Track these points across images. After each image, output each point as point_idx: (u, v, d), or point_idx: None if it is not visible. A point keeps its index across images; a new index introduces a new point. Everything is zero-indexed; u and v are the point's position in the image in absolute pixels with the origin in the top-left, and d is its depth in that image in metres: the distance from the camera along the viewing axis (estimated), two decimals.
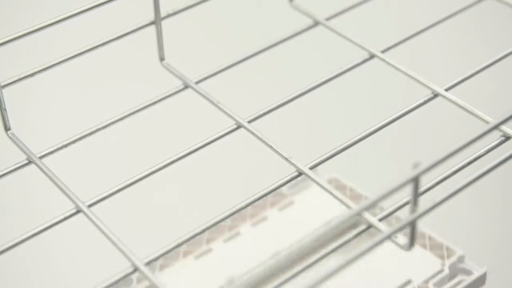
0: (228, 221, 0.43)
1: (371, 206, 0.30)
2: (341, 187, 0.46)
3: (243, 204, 0.35)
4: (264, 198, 0.43)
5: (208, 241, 0.42)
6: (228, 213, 0.35)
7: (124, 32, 0.41)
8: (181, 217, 0.69)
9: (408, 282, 0.39)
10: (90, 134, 0.40)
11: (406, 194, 0.36)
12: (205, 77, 0.43)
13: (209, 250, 0.41)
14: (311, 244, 0.29)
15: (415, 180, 0.30)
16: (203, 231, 0.34)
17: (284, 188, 0.45)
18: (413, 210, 0.31)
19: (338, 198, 0.36)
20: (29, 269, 0.71)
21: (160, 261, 0.40)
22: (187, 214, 0.69)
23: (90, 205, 0.36)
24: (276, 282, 0.31)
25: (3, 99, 0.38)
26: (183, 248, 0.41)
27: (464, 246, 0.46)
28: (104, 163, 0.75)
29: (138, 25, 0.42)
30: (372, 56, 0.44)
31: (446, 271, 0.39)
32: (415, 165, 0.29)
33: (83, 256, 0.53)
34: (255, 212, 0.44)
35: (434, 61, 0.87)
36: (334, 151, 0.39)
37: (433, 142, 0.79)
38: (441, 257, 0.40)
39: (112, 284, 0.32)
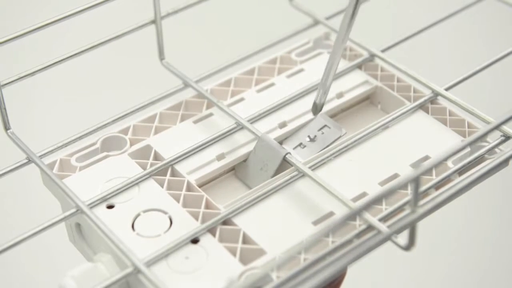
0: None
1: (371, 206, 0.30)
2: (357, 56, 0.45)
3: None
4: (272, 64, 0.44)
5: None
6: None
7: (124, 31, 0.41)
8: None
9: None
10: (90, 133, 0.40)
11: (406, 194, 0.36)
12: (205, 76, 0.43)
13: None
14: (308, 243, 0.29)
15: (416, 181, 0.29)
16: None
17: (293, 55, 0.45)
18: (413, 211, 0.31)
19: (338, 198, 0.35)
20: (29, 268, 0.72)
21: (155, 124, 0.40)
22: None
23: (90, 205, 0.36)
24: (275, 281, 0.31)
25: (3, 98, 0.38)
26: (181, 112, 0.41)
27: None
28: None
29: (138, 24, 0.42)
30: (372, 56, 0.44)
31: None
32: (416, 166, 0.29)
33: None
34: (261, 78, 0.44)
35: (434, 61, 0.87)
36: (330, 152, 0.39)
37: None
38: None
39: (111, 284, 0.32)
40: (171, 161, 0.38)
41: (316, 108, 0.40)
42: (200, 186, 0.38)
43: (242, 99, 0.42)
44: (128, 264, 0.33)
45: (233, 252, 0.34)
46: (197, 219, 0.35)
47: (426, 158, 0.39)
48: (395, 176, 0.38)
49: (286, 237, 0.35)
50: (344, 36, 0.37)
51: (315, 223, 0.35)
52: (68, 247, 0.39)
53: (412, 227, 0.31)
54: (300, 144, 0.40)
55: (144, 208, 0.36)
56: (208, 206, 0.36)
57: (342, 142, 0.39)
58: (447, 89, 0.42)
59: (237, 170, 0.39)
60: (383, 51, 0.44)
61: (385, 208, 0.36)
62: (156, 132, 0.40)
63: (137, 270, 0.33)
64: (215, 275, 0.33)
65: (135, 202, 0.36)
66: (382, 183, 0.37)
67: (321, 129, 0.40)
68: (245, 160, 0.39)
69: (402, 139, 0.40)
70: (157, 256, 0.33)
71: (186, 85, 0.42)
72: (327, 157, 0.38)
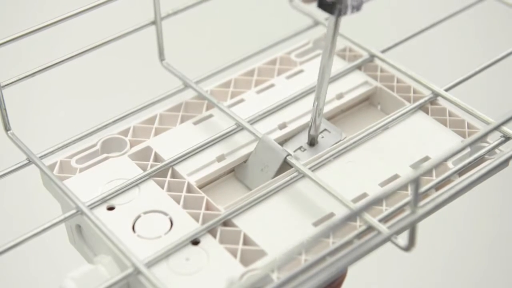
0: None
1: (371, 207, 0.30)
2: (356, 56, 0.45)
3: None
4: (271, 65, 0.44)
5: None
6: None
7: (125, 32, 0.41)
8: None
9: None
10: (90, 134, 0.40)
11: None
12: (205, 77, 0.43)
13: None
14: (308, 244, 0.29)
15: (416, 181, 0.29)
16: None
17: (292, 55, 0.45)
18: (413, 211, 0.31)
19: (338, 199, 0.35)
20: (30, 270, 0.72)
21: (155, 125, 0.40)
22: None
23: (90, 206, 0.36)
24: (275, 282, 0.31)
25: (3, 99, 0.38)
26: (180, 113, 0.41)
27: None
28: None
29: (139, 25, 0.42)
30: (372, 56, 0.44)
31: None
32: (416, 166, 0.29)
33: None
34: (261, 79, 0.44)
35: (434, 61, 0.87)
36: (331, 152, 0.39)
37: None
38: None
39: (111, 285, 0.32)
40: (171, 162, 0.38)
41: (314, 139, 0.40)
42: (201, 187, 0.38)
43: (242, 100, 0.42)
44: (128, 265, 0.33)
45: (233, 253, 0.34)
46: (197, 220, 0.35)
47: (426, 158, 0.39)
48: (396, 177, 0.38)
49: (287, 238, 0.35)
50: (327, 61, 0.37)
51: (316, 224, 0.35)
52: (68, 249, 0.39)
53: (412, 228, 0.31)
54: (300, 147, 0.40)
55: (144, 209, 0.36)
56: (208, 207, 0.36)
57: (342, 143, 0.39)
58: (447, 90, 0.42)
59: (237, 171, 0.39)
60: (383, 51, 0.44)
61: (385, 209, 0.36)
62: (156, 134, 0.40)
63: (137, 271, 0.33)
64: (216, 277, 0.33)
65: (136, 203, 0.36)
66: (382, 184, 0.37)
67: (321, 132, 0.40)
68: (245, 161, 0.39)
69: (402, 139, 0.40)
70: (157, 257, 0.33)
71: (186, 86, 0.42)
72: (327, 158, 0.38)
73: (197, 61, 0.64)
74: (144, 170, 0.38)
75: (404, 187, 0.29)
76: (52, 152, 0.39)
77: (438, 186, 0.37)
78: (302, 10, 0.47)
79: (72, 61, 0.40)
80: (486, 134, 0.32)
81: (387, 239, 0.32)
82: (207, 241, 0.34)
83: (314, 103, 0.38)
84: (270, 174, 0.38)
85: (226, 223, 0.35)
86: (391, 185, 0.29)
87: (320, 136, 0.40)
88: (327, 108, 0.42)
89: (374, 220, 0.34)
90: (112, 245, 0.34)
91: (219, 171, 0.39)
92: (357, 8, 0.34)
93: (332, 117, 0.42)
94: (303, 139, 0.40)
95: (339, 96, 0.42)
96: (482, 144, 0.39)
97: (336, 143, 0.40)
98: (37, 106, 0.83)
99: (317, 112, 0.38)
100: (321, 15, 0.47)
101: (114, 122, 0.40)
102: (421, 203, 0.35)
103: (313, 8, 0.47)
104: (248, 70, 0.44)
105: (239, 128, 0.40)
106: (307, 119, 0.41)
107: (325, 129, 0.40)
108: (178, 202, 0.36)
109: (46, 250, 0.69)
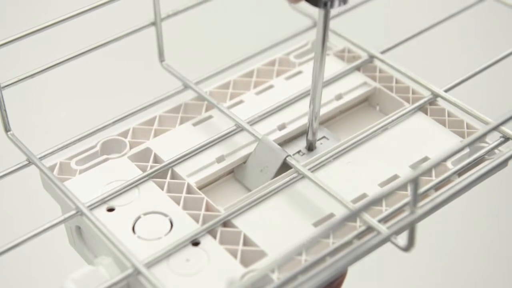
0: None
1: (370, 207, 0.30)
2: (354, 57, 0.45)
3: None
4: (271, 67, 0.44)
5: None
6: None
7: (124, 33, 0.41)
8: None
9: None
10: (90, 135, 0.40)
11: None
12: (204, 78, 0.43)
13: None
14: (307, 244, 0.29)
15: (415, 181, 0.30)
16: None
17: (291, 56, 0.45)
18: (412, 211, 0.31)
19: (338, 199, 0.36)
20: (30, 272, 0.72)
21: (155, 126, 0.41)
22: None
23: (90, 207, 0.36)
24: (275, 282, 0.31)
25: (3, 100, 0.38)
26: (180, 115, 0.41)
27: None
28: None
29: (138, 26, 0.42)
30: (371, 57, 0.44)
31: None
32: (415, 167, 0.29)
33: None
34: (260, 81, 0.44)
35: (434, 62, 0.87)
36: (330, 153, 0.39)
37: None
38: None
39: (111, 285, 0.33)
40: (171, 163, 0.38)
41: (312, 145, 0.40)
42: (200, 188, 0.38)
43: (241, 101, 0.42)
44: (128, 265, 0.33)
45: (234, 254, 0.34)
46: (197, 221, 0.35)
47: (426, 159, 0.39)
48: (395, 177, 0.38)
49: (287, 238, 0.35)
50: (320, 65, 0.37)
51: (316, 224, 0.35)
52: (68, 251, 0.40)
53: (411, 228, 0.31)
54: (299, 152, 0.40)
55: (144, 210, 0.36)
56: (208, 208, 0.36)
57: (342, 144, 0.39)
58: (446, 91, 0.42)
59: (236, 172, 0.40)
60: (382, 52, 0.44)
61: (385, 209, 0.36)
62: (155, 135, 0.40)
63: (137, 272, 0.33)
64: (216, 277, 0.33)
65: (136, 204, 0.36)
66: (381, 184, 0.37)
67: (319, 140, 0.40)
68: (244, 162, 0.39)
69: (401, 140, 0.40)
70: (157, 258, 0.33)
71: (186, 87, 0.42)
72: (327, 159, 0.38)
73: (196, 62, 0.64)
74: (144, 171, 0.38)
75: (403, 187, 0.29)
76: (52, 153, 0.39)
77: (437, 187, 0.37)
78: (301, 11, 0.47)
79: (72, 62, 0.40)
80: (485, 134, 0.32)
81: (387, 239, 0.32)
82: (207, 241, 0.35)
83: (310, 105, 0.38)
84: (269, 175, 0.38)
85: (226, 223, 0.35)
86: (391, 185, 0.29)
87: (318, 142, 0.40)
88: (326, 109, 0.42)
89: (373, 221, 0.34)
90: (112, 246, 0.34)
91: (219, 172, 0.39)
92: (344, 1, 0.34)
93: (331, 118, 0.42)
94: (302, 144, 0.40)
95: (338, 97, 0.42)
96: (481, 145, 0.39)
97: None
98: (37, 107, 0.83)
99: (313, 115, 0.38)
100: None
101: (114, 123, 0.40)
102: (421, 203, 0.35)
103: (313, 9, 0.47)
104: (247, 71, 0.44)
105: (239, 129, 0.40)
106: (306, 120, 0.41)
107: (323, 137, 0.40)
108: (178, 203, 0.36)
109: (46, 251, 0.69)
